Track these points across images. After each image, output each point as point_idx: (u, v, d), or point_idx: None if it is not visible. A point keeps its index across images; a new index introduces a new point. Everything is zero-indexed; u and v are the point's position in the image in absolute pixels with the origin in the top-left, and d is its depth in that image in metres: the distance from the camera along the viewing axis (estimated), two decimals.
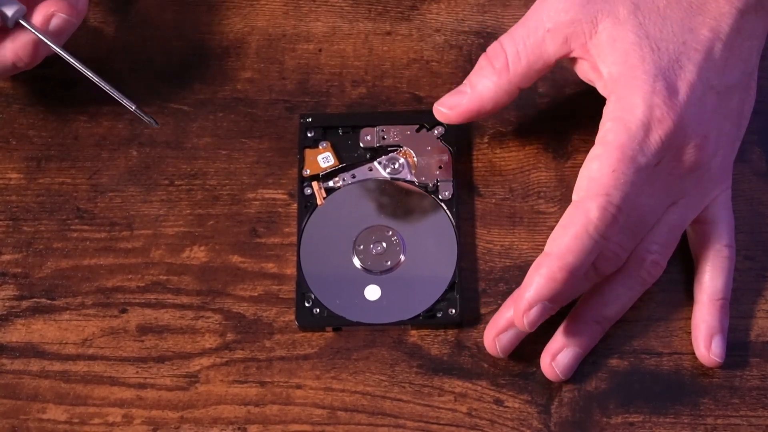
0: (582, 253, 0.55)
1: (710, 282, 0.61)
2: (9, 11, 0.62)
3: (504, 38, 0.62)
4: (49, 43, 0.63)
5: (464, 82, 0.63)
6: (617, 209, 0.55)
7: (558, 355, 0.59)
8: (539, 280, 0.56)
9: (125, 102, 0.63)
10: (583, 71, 0.61)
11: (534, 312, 0.56)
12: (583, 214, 0.55)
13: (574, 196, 0.57)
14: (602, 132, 0.57)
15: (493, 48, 0.62)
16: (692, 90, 0.57)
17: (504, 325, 0.59)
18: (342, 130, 0.67)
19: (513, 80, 0.62)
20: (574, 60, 0.61)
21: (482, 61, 0.63)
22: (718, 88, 0.58)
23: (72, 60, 0.63)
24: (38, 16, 0.63)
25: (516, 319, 0.57)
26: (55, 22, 0.63)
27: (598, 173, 0.56)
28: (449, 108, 0.63)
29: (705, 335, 0.60)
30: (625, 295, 0.60)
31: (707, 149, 0.59)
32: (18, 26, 0.63)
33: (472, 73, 0.63)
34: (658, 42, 0.58)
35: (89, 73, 0.63)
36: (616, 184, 0.55)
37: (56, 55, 0.64)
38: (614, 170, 0.55)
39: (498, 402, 0.60)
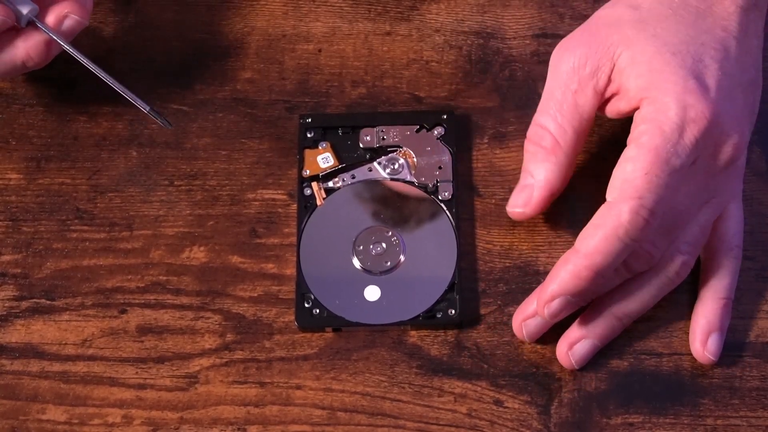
0: (610, 255, 0.56)
1: (717, 280, 0.61)
2: (24, 9, 0.62)
3: (540, 117, 0.61)
4: (62, 43, 0.63)
5: (522, 174, 0.62)
6: (649, 213, 0.55)
7: (576, 345, 0.60)
8: (564, 275, 0.56)
9: (139, 103, 0.63)
10: (614, 107, 0.60)
11: (555, 304, 0.57)
12: (614, 216, 0.56)
13: (607, 196, 0.57)
14: (635, 133, 0.57)
15: (533, 131, 0.61)
16: (721, 86, 0.57)
17: (531, 312, 0.60)
18: (342, 130, 0.67)
19: (568, 152, 0.61)
20: (605, 102, 0.60)
21: (530, 147, 0.62)
22: (742, 84, 0.59)
23: (85, 61, 0.63)
24: (51, 17, 0.63)
25: (538, 309, 0.58)
26: (67, 23, 0.63)
27: (632, 175, 0.56)
28: (524, 206, 0.62)
29: (703, 331, 0.60)
30: (651, 294, 0.60)
31: (741, 144, 0.59)
32: (30, 26, 0.63)
33: (525, 162, 0.62)
34: (677, 46, 0.58)
35: (102, 74, 0.63)
36: (649, 187, 0.55)
37: (57, 56, 0.64)
38: (647, 173, 0.55)
39: (498, 402, 0.60)
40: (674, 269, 0.60)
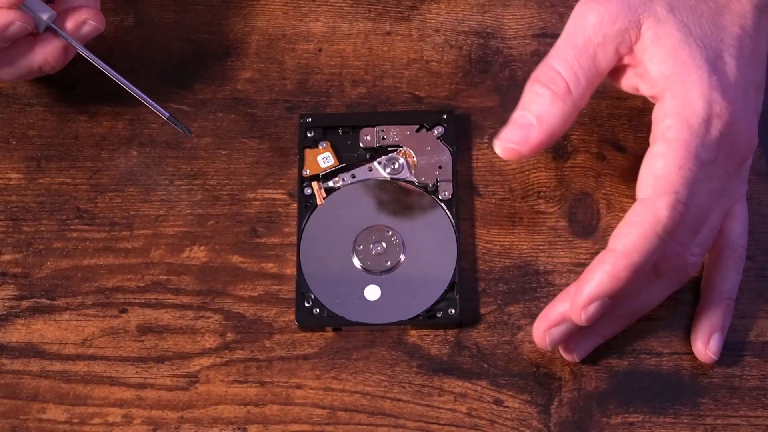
0: (648, 252, 0.55)
1: (721, 281, 0.61)
2: (43, 15, 0.63)
3: (554, 60, 0.58)
4: (80, 49, 0.64)
5: (521, 112, 0.59)
6: (685, 207, 0.55)
7: (580, 340, 0.59)
8: (602, 276, 0.55)
9: (158, 110, 0.64)
10: (627, 79, 0.60)
11: (593, 307, 0.55)
12: (651, 213, 0.55)
13: (639, 195, 0.56)
14: (661, 129, 0.56)
15: (544, 72, 0.59)
16: (738, 84, 0.57)
17: (556, 319, 0.58)
18: (342, 130, 0.67)
19: (577, 103, 0.58)
20: (619, 70, 0.60)
21: (536, 87, 0.59)
22: (754, 84, 0.58)
23: (103, 66, 0.64)
24: (70, 22, 0.64)
25: (573, 313, 0.56)
26: (85, 29, 0.64)
27: (664, 171, 0.55)
28: (519, 143, 0.58)
29: (706, 331, 0.60)
30: (661, 294, 0.60)
31: (753, 143, 0.59)
32: (48, 31, 0.63)
33: (527, 101, 0.59)
34: (701, 39, 0.57)
35: (120, 79, 0.64)
36: (683, 181, 0.55)
37: None
38: (680, 167, 0.55)
39: (498, 402, 0.60)
40: (684, 271, 0.59)
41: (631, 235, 0.55)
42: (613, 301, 0.56)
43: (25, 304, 0.63)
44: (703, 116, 0.55)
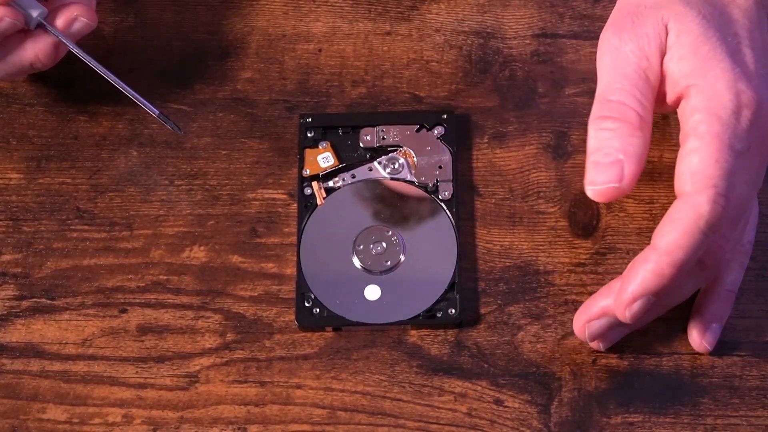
0: (692, 248, 0.54)
1: (725, 273, 0.61)
2: (34, 12, 0.63)
3: (612, 95, 0.58)
4: (70, 46, 0.63)
5: (603, 152, 0.57)
6: (726, 200, 0.54)
7: (598, 324, 0.59)
8: (646, 275, 0.54)
9: (149, 108, 0.64)
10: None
11: (637, 305, 0.55)
12: (692, 209, 0.54)
13: (678, 192, 0.55)
14: (691, 125, 0.56)
15: (607, 108, 0.58)
16: (758, 74, 0.57)
17: (597, 313, 0.58)
18: (342, 130, 0.67)
19: (650, 127, 0.58)
20: None
21: (607, 123, 0.57)
22: (765, 77, 0.58)
23: (93, 62, 0.64)
24: (61, 20, 0.63)
25: (618, 311, 0.56)
26: (76, 26, 0.64)
27: (701, 166, 0.54)
28: (618, 181, 0.57)
29: (705, 321, 0.60)
30: (691, 288, 0.59)
31: None
32: (39, 28, 0.63)
33: (603, 139, 0.57)
34: (719, 31, 0.57)
35: (110, 76, 0.64)
36: (722, 174, 0.54)
37: None
38: (717, 160, 0.54)
39: (498, 402, 0.60)
40: (717, 266, 0.59)
41: (674, 232, 0.54)
42: (658, 298, 0.55)
43: (25, 304, 0.63)
44: (732, 107, 0.55)
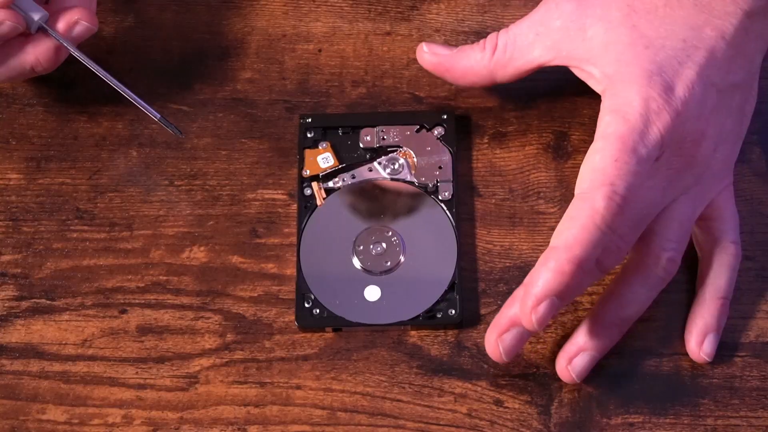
0: (590, 244, 0.55)
1: (713, 279, 0.61)
2: (35, 16, 0.63)
3: (504, 30, 0.64)
4: (71, 50, 0.63)
5: (459, 47, 0.65)
6: (622, 198, 0.55)
7: (575, 359, 0.59)
8: (547, 275, 0.55)
9: (150, 111, 0.64)
10: (577, 74, 0.62)
11: (542, 308, 0.55)
12: (589, 206, 0.55)
13: (576, 190, 0.57)
14: (602, 126, 0.57)
15: (492, 35, 0.64)
16: (691, 87, 0.57)
17: (506, 324, 0.58)
18: (342, 130, 0.67)
19: (490, 67, 0.63)
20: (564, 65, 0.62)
21: (481, 41, 0.64)
22: (719, 86, 0.58)
23: (93, 65, 0.64)
24: (62, 23, 0.63)
25: (523, 317, 0.55)
26: (77, 30, 0.64)
27: (601, 164, 0.56)
28: (430, 53, 0.65)
29: (699, 332, 0.60)
30: (644, 295, 0.59)
31: (706, 146, 0.59)
32: (39, 31, 0.63)
33: (469, 45, 0.65)
34: (653, 41, 0.58)
35: (113, 81, 0.64)
36: (619, 173, 0.55)
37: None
38: (616, 160, 0.55)
39: (498, 403, 0.60)
40: (662, 267, 0.59)
41: (572, 229, 0.55)
42: (561, 301, 0.55)
43: (24, 304, 0.63)
44: (641, 112, 0.56)
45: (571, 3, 0.61)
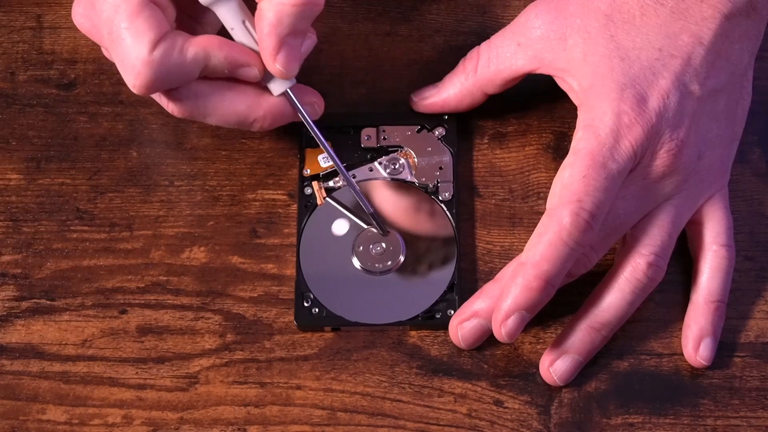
0: (557, 260, 0.56)
1: (706, 283, 0.61)
2: (286, 83, 0.61)
3: (483, 43, 0.64)
4: (309, 123, 0.62)
5: (444, 78, 0.65)
6: (589, 215, 0.56)
7: (556, 362, 0.59)
8: (516, 290, 0.56)
9: (364, 204, 0.63)
10: (560, 84, 0.62)
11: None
12: (556, 222, 0.56)
13: (547, 205, 0.57)
14: (575, 141, 0.58)
15: (471, 51, 0.64)
16: (666, 97, 0.58)
17: (468, 315, 0.60)
18: (342, 130, 0.67)
19: (477, 84, 0.64)
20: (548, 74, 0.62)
21: (461, 61, 0.65)
22: (698, 93, 0.59)
23: (324, 143, 0.63)
24: (307, 96, 0.63)
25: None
26: (312, 110, 0.63)
27: (570, 180, 0.57)
28: (418, 98, 0.66)
29: (695, 337, 0.60)
30: (622, 300, 0.59)
31: (688, 154, 0.59)
32: (280, 96, 0.62)
33: (452, 71, 0.65)
34: (629, 52, 0.58)
35: (336, 162, 0.63)
36: (587, 189, 0.56)
37: (53, 57, 0.68)
38: (585, 176, 0.56)
39: (498, 403, 0.60)
40: (641, 272, 0.59)
41: (539, 245, 0.56)
42: (531, 314, 0.57)
43: (24, 304, 0.63)
44: (611, 127, 0.57)
45: (550, 13, 0.61)
